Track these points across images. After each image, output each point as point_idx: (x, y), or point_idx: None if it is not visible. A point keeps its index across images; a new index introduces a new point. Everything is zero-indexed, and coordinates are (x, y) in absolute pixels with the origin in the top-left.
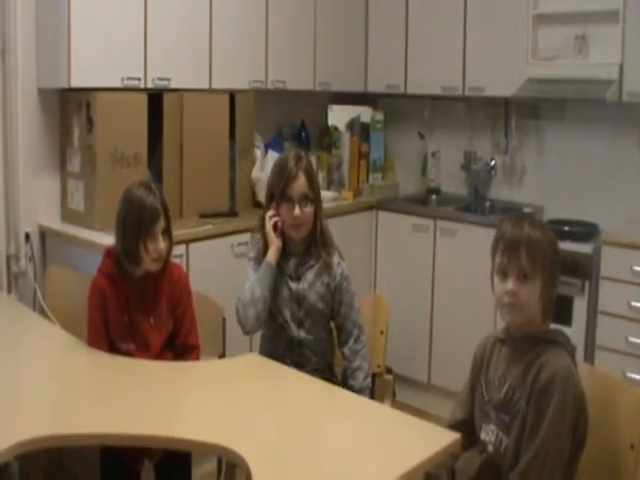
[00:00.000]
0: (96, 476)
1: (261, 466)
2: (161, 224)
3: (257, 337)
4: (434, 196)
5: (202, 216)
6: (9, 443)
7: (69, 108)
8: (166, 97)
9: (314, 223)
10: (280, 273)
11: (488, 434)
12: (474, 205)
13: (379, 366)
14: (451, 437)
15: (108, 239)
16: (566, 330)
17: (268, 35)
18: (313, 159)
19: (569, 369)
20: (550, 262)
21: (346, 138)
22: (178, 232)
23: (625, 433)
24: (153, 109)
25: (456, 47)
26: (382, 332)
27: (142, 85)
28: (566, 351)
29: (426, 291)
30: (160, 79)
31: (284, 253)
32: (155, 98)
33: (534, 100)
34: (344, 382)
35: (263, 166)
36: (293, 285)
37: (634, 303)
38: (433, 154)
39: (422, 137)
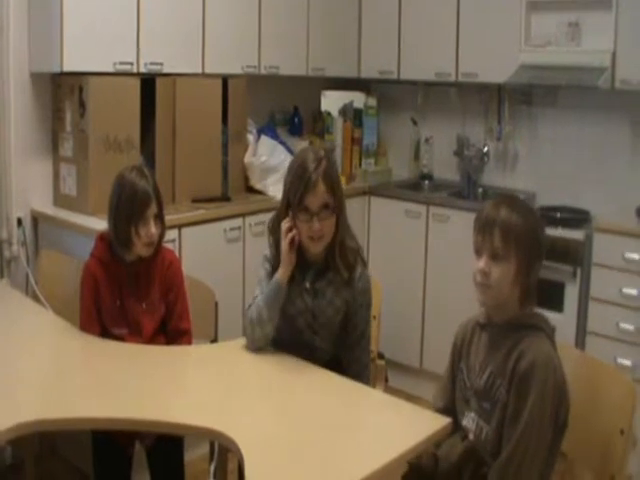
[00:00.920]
0: (88, 460)
1: (253, 450)
2: (153, 209)
3: None
4: (427, 182)
5: (195, 201)
6: (1, 427)
7: (61, 92)
8: (159, 82)
9: (336, 233)
10: (296, 284)
11: (469, 422)
12: (466, 191)
13: (372, 351)
14: (442, 421)
15: (101, 224)
16: (557, 316)
17: (261, 20)
18: (305, 144)
19: (548, 355)
20: (527, 246)
21: (339, 124)
22: (171, 217)
23: (615, 419)
24: (146, 94)
25: (449, 33)
26: (374, 317)
27: (135, 70)
28: (545, 335)
29: (418, 277)
30: (153, 64)
31: (301, 262)
32: (148, 83)
33: (527, 86)
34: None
35: (256, 151)
36: (308, 299)
37: (625, 290)
38: (426, 140)
39: (415, 123)
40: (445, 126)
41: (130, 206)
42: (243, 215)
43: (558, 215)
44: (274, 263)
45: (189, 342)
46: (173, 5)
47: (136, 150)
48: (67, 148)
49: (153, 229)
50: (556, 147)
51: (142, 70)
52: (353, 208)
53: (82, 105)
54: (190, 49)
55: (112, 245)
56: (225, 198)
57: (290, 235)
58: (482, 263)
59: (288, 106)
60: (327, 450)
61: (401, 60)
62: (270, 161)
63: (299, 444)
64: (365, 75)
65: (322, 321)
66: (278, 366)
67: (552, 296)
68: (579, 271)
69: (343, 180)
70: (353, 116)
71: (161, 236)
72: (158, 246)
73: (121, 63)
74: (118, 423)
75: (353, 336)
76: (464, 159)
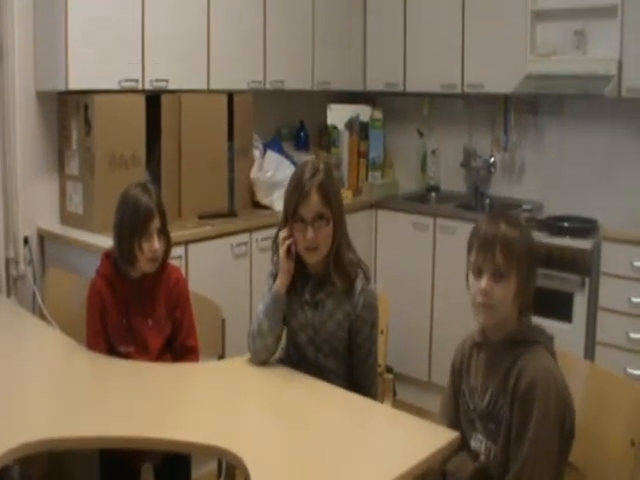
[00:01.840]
0: (96, 478)
1: (259, 467)
2: (156, 224)
3: None
4: (433, 194)
5: (201, 217)
6: (9, 446)
7: (67, 110)
8: (164, 98)
9: (332, 244)
10: (297, 295)
11: (477, 443)
12: (474, 202)
13: (379, 365)
14: (451, 435)
15: (107, 241)
16: (566, 327)
17: (266, 35)
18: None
19: (548, 368)
20: (526, 261)
21: (345, 137)
22: (177, 233)
23: (626, 429)
24: (151, 110)
25: (454, 44)
26: (382, 331)
27: (140, 87)
28: (543, 347)
29: (426, 289)
30: (158, 80)
31: (302, 274)
32: (153, 99)
33: (533, 96)
34: None
35: (262, 166)
36: (309, 312)
37: (634, 299)
38: (432, 152)
39: (421, 135)
40: (451, 137)
41: (133, 221)
42: (250, 230)
43: (566, 225)
44: (276, 277)
45: (196, 359)
46: (178, 22)
47: (142, 167)
48: (73, 166)
49: (156, 244)
50: (563, 156)
51: (147, 87)
52: (360, 221)
53: (88, 123)
54: (195, 65)
55: (117, 263)
56: (231, 214)
57: (287, 243)
58: (484, 283)
59: (294, 120)
60: (334, 466)
61: (407, 72)
62: (276, 176)
63: (306, 461)
64: (371, 88)
65: (324, 336)
66: (285, 383)
67: (561, 306)
68: (587, 281)
69: (349, 194)
70: (359, 129)
71: (167, 252)
72: (164, 263)
73: (126, 80)
74: (125, 442)
75: (359, 354)
76: (471, 170)
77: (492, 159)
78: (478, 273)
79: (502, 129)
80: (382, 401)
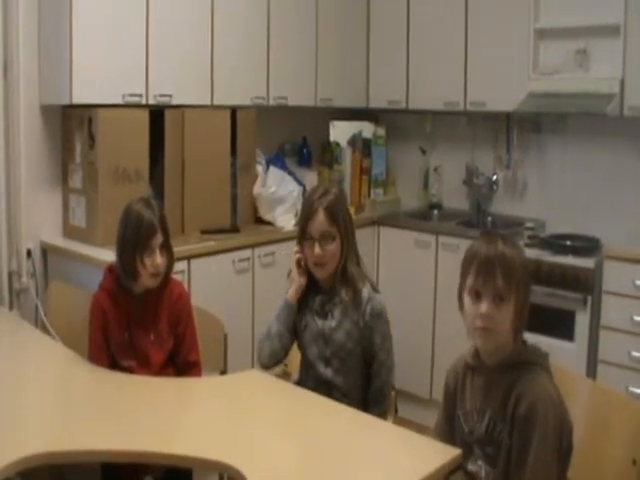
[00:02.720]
0: None
1: None
2: (158, 239)
3: None
4: (436, 211)
5: (204, 232)
6: (11, 459)
7: (71, 124)
8: (167, 113)
9: (339, 260)
10: (307, 309)
11: (476, 468)
12: (476, 220)
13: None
14: (452, 453)
15: (110, 255)
16: (568, 345)
17: (270, 51)
18: (314, 175)
19: (545, 389)
20: (524, 282)
21: (348, 154)
22: (180, 248)
23: (627, 448)
24: (154, 125)
25: (457, 62)
26: None
27: (144, 101)
28: (540, 367)
29: (428, 306)
30: (161, 95)
31: (312, 289)
32: (156, 114)
33: (535, 115)
34: None
35: (265, 182)
36: (319, 322)
37: (637, 317)
38: (435, 169)
39: (424, 152)
40: (454, 155)
41: (135, 237)
42: (252, 246)
43: (568, 243)
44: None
45: (198, 374)
46: (182, 37)
47: (145, 182)
48: (76, 180)
49: (159, 259)
50: (565, 175)
51: (151, 102)
52: (362, 238)
53: (91, 137)
54: (199, 81)
55: (120, 277)
56: (234, 229)
57: (297, 256)
58: (485, 307)
59: (297, 137)
60: None
61: (409, 90)
62: (279, 192)
63: (308, 476)
64: (373, 105)
65: (334, 347)
66: (287, 398)
67: (563, 325)
68: (590, 299)
69: (352, 210)
70: (362, 146)
71: (169, 267)
72: (166, 277)
73: (130, 95)
74: (127, 456)
75: (373, 368)
76: (473, 188)
77: (494, 177)
78: (476, 296)
79: (504, 147)
80: (384, 418)
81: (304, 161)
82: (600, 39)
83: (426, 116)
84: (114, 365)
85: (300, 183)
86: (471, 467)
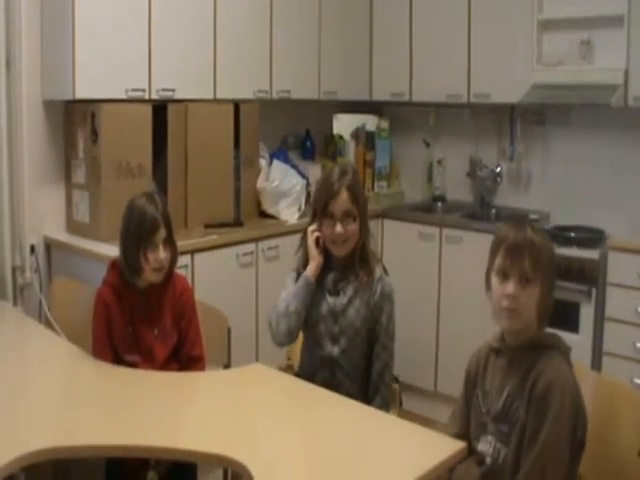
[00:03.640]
0: None
1: (265, 477)
2: (162, 234)
3: (263, 347)
4: (440, 204)
5: (207, 226)
6: (15, 455)
7: (74, 119)
8: (170, 108)
9: (358, 240)
10: (319, 287)
11: (485, 446)
12: (480, 212)
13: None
14: (457, 446)
15: (113, 250)
16: (573, 337)
17: (272, 45)
18: (317, 169)
19: (565, 375)
20: (550, 268)
21: (351, 147)
22: (183, 242)
23: (632, 440)
24: (157, 120)
25: (461, 54)
26: None
27: (147, 96)
28: (561, 354)
29: (432, 299)
30: (164, 90)
31: (324, 267)
32: (159, 109)
33: (539, 106)
34: None
35: (268, 176)
36: (331, 300)
37: None
38: (438, 161)
39: (427, 145)
40: (458, 147)
41: (138, 231)
42: (256, 240)
43: (572, 235)
44: (301, 269)
45: (202, 369)
46: (184, 31)
47: (148, 176)
48: (79, 175)
49: (162, 254)
50: (569, 166)
51: (154, 96)
52: None
53: (94, 132)
54: (202, 75)
55: (123, 272)
56: (237, 223)
57: (315, 234)
58: (511, 287)
59: (300, 130)
60: (341, 476)
61: (413, 82)
62: (282, 185)
63: (312, 470)
64: (377, 98)
65: (342, 325)
66: (291, 392)
67: (567, 316)
68: (594, 291)
69: None
70: (365, 139)
71: (173, 262)
72: (170, 272)
73: (133, 90)
74: (131, 450)
75: (376, 349)
76: (477, 180)
77: (498, 169)
78: (503, 277)
79: (508, 139)
80: (388, 411)
81: (308, 154)
82: (604, 30)
83: (430, 108)
84: (118, 360)
85: (304, 176)
86: (480, 447)
